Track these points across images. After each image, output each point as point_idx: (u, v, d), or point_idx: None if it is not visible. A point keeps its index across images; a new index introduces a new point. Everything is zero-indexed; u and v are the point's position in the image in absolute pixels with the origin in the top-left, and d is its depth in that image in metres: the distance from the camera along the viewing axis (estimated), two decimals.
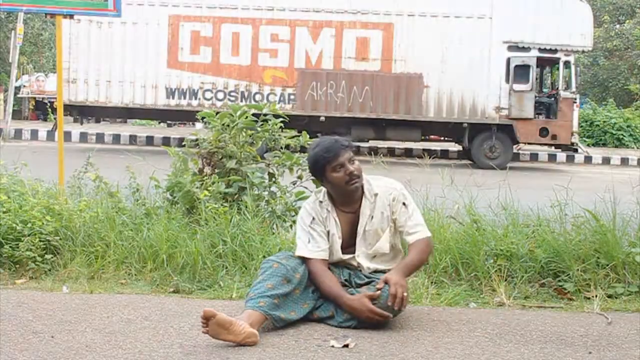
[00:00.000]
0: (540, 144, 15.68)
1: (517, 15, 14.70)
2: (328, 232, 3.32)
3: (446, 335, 3.07)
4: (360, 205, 3.32)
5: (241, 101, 14.65)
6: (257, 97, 14.92)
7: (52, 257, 4.15)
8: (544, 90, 16.42)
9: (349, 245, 3.34)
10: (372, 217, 3.31)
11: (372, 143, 15.99)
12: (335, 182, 3.27)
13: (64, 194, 4.84)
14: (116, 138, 17.55)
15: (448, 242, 4.01)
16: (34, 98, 26.28)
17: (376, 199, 3.32)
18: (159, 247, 4.03)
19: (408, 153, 17.30)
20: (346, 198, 3.32)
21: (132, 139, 17.45)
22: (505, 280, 3.83)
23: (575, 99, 14.93)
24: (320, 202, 3.36)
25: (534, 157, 17.84)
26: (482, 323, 3.25)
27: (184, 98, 15.03)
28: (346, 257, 3.33)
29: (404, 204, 3.31)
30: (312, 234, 3.29)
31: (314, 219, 3.33)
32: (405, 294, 3.07)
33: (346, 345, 2.88)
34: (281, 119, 4.91)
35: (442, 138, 16.98)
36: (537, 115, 14.92)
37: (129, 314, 3.31)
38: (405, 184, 3.54)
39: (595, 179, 11.58)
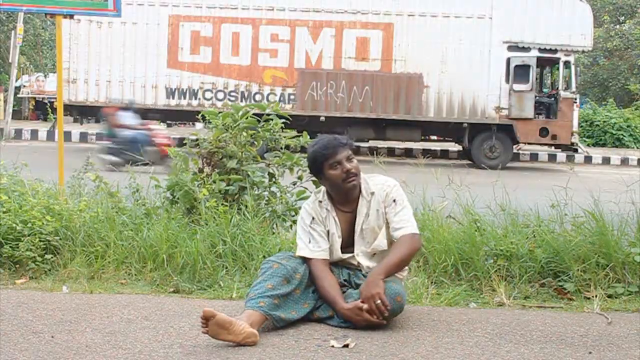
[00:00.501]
0: (540, 144, 15.68)
1: (517, 15, 14.71)
2: (328, 231, 3.32)
3: (446, 335, 3.07)
4: (358, 204, 3.33)
5: (241, 101, 14.66)
6: (257, 97, 14.94)
7: (52, 257, 4.15)
8: (544, 90, 16.43)
9: (348, 244, 3.34)
10: (369, 215, 3.31)
11: (372, 143, 15.99)
12: (333, 179, 3.28)
13: (64, 194, 4.84)
14: None
15: (448, 242, 4.01)
16: (34, 98, 26.31)
17: (372, 197, 3.32)
18: (159, 247, 4.04)
19: (408, 153, 17.31)
20: (344, 196, 3.33)
21: None
22: (505, 280, 3.84)
23: (575, 99, 14.93)
24: (320, 201, 3.37)
25: (534, 157, 17.85)
26: (482, 323, 3.25)
27: (184, 98, 15.04)
28: (345, 256, 3.33)
29: (394, 200, 3.30)
30: (313, 234, 3.30)
31: (313, 218, 3.33)
32: (377, 301, 3.03)
33: (346, 345, 2.88)
34: (283, 119, 4.92)
35: (442, 138, 16.98)
36: (537, 115, 14.93)
37: (129, 314, 3.31)
38: (402, 184, 3.53)
39: (595, 179, 11.58)
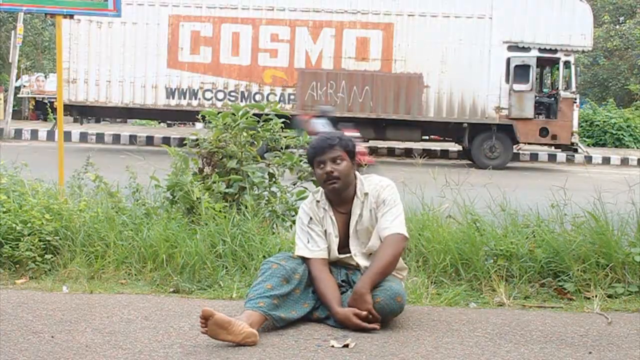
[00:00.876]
0: (540, 144, 15.68)
1: (517, 15, 14.71)
2: (325, 231, 3.32)
3: (446, 335, 3.07)
4: (352, 205, 3.33)
5: (241, 101, 14.66)
6: (257, 97, 14.93)
7: (52, 257, 4.15)
8: (544, 90, 16.43)
9: (346, 244, 3.34)
10: (362, 215, 3.31)
11: (372, 143, 15.99)
12: (318, 178, 3.33)
13: (64, 194, 4.84)
14: (116, 138, 17.55)
15: (447, 242, 4.01)
16: (34, 98, 26.29)
17: (366, 198, 3.32)
18: (158, 247, 4.04)
19: (408, 153, 17.30)
20: (333, 197, 3.34)
21: (132, 139, 17.45)
22: (505, 280, 3.84)
23: (575, 99, 14.92)
24: (317, 201, 3.37)
25: (534, 157, 17.84)
26: (482, 323, 3.25)
27: (184, 98, 15.04)
28: (342, 256, 3.33)
29: (384, 200, 3.28)
30: (311, 234, 3.30)
31: (311, 218, 3.34)
32: (364, 313, 3.05)
33: (346, 345, 2.88)
34: (282, 119, 4.92)
35: (442, 138, 16.97)
36: (537, 115, 14.92)
37: (129, 314, 3.31)
38: (401, 184, 3.53)
39: (595, 179, 11.58)
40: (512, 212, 4.33)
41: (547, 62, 15.31)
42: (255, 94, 15.01)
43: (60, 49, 5.73)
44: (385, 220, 3.24)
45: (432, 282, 3.85)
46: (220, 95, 15.00)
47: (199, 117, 5.04)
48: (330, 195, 3.34)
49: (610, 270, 3.82)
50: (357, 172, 3.38)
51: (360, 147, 10.36)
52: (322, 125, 10.53)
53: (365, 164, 9.90)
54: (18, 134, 17.47)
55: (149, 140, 17.52)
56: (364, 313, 3.05)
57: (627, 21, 27.90)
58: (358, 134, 11.42)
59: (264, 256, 3.87)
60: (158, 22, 14.97)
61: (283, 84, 15.03)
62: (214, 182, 4.52)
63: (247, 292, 3.19)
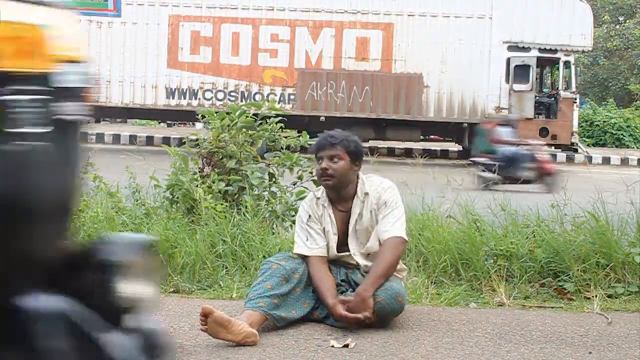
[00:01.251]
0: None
1: (517, 15, 14.71)
2: (324, 229, 3.33)
3: (446, 335, 3.07)
4: (352, 204, 3.33)
5: (241, 101, 14.63)
6: (257, 97, 14.91)
7: None
8: (544, 90, 16.43)
9: (345, 243, 3.34)
10: (362, 215, 3.31)
11: (372, 143, 15.98)
12: (316, 174, 3.40)
13: None
14: (116, 138, 17.54)
15: (447, 242, 4.00)
16: None
17: (366, 198, 3.32)
18: (158, 247, 4.03)
19: (408, 153, 17.29)
20: (331, 194, 3.35)
21: (132, 139, 17.44)
22: (505, 280, 3.83)
23: (575, 99, 14.94)
24: (317, 198, 3.38)
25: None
26: (482, 323, 3.25)
27: (184, 98, 15.03)
28: (342, 254, 3.34)
29: (385, 202, 3.29)
30: (310, 232, 3.30)
31: (310, 216, 3.34)
32: (350, 298, 3.08)
33: (346, 345, 2.88)
34: (280, 119, 4.91)
35: (442, 138, 16.97)
36: (537, 115, 14.93)
37: None
38: (402, 185, 3.53)
39: (595, 179, 11.56)
40: (512, 212, 4.33)
41: (547, 62, 15.32)
42: (255, 94, 15.01)
43: None
44: (386, 222, 3.25)
45: (432, 282, 3.85)
46: (220, 95, 15.00)
47: (199, 117, 5.04)
48: (329, 193, 3.35)
49: (610, 270, 3.82)
50: (359, 172, 3.38)
51: (544, 155, 10.29)
52: (506, 134, 10.44)
53: (549, 173, 9.71)
54: None
55: (149, 140, 17.51)
56: (350, 298, 3.07)
57: (627, 21, 27.89)
58: (543, 143, 11.30)
59: (264, 256, 3.86)
60: (158, 22, 14.95)
61: (283, 84, 15.03)
62: (214, 182, 4.51)
63: (247, 292, 3.19)
